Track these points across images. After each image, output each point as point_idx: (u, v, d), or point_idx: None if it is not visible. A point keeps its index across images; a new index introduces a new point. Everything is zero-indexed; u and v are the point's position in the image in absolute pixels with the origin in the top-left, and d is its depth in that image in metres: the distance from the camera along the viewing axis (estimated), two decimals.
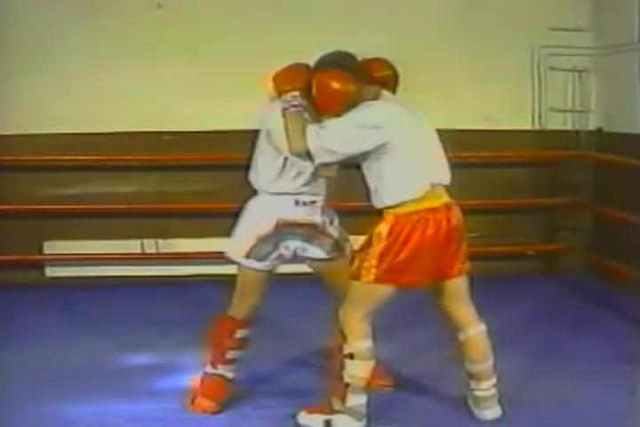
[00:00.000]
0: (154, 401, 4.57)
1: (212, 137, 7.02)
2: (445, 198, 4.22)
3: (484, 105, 7.28)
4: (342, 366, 4.17)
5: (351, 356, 4.15)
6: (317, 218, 4.33)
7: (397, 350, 5.19)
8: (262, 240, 4.25)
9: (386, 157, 4.07)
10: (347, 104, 4.06)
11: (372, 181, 4.15)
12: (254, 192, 4.39)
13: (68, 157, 7.08)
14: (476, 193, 7.25)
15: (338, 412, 4.20)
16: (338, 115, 4.07)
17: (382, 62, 4.32)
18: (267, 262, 4.30)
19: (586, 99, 7.47)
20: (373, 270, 4.10)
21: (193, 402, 4.46)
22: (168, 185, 7.26)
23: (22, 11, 7.02)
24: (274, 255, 4.29)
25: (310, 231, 4.31)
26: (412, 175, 4.11)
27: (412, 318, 5.55)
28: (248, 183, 4.39)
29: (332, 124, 4.06)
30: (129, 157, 7.14)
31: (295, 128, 4.05)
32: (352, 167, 4.22)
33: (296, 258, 4.37)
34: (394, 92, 4.30)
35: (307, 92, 4.08)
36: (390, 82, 4.29)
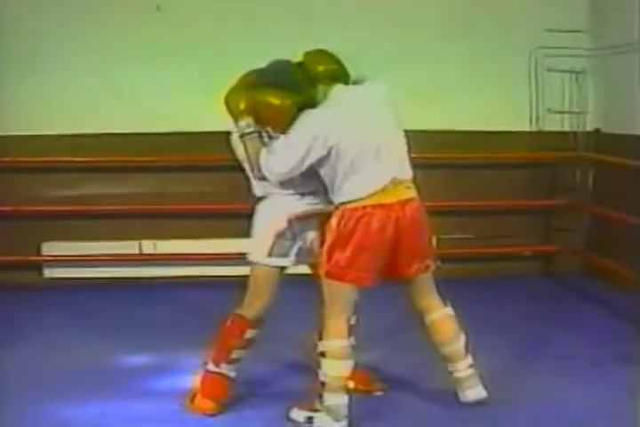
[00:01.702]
0: (152, 402, 4.58)
1: (211, 138, 6.97)
2: (404, 195, 4.21)
3: (481, 106, 7.28)
4: (318, 365, 4.22)
5: (323, 354, 4.19)
6: (323, 207, 4.36)
7: (388, 350, 5.21)
8: (280, 236, 4.29)
9: (332, 162, 4.12)
10: (289, 117, 4.12)
11: (325, 181, 4.21)
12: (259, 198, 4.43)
13: (66, 159, 7.09)
14: (473, 194, 7.27)
15: (317, 410, 4.23)
16: (287, 127, 4.12)
17: (325, 55, 4.29)
18: (290, 258, 4.33)
19: (583, 100, 7.47)
20: (325, 265, 4.18)
21: (192, 401, 4.46)
22: (166, 186, 7.26)
23: (21, 11, 7.03)
24: (295, 249, 4.33)
25: (323, 221, 4.34)
26: (362, 175, 4.12)
27: (398, 320, 5.56)
28: (248, 188, 4.41)
29: (277, 148, 4.13)
30: (127, 159, 7.14)
31: (253, 156, 4.15)
32: None
33: (310, 252, 4.37)
34: (346, 84, 4.25)
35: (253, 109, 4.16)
36: (339, 75, 4.25)
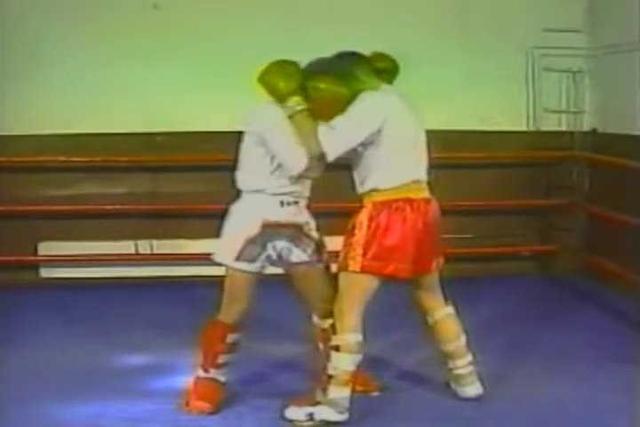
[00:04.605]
0: (149, 402, 4.57)
1: (207, 138, 7.02)
2: (425, 194, 4.33)
3: (478, 106, 7.30)
4: (328, 358, 4.22)
5: (337, 348, 4.20)
6: (301, 219, 4.37)
7: (382, 349, 5.21)
8: (251, 242, 4.26)
9: (375, 145, 4.19)
10: (342, 107, 4.17)
11: (360, 168, 4.26)
12: (237, 195, 4.40)
13: (62, 158, 7.08)
14: (470, 194, 7.27)
15: (319, 403, 4.23)
16: (334, 116, 4.17)
17: (383, 55, 4.49)
18: (257, 264, 4.30)
19: (580, 100, 7.48)
20: (359, 259, 4.19)
21: (188, 404, 4.46)
22: (162, 186, 7.26)
23: (19, 11, 7.01)
24: (263, 256, 4.30)
25: (295, 233, 4.33)
26: (397, 165, 4.22)
27: (393, 319, 5.56)
28: (232, 183, 4.40)
29: (338, 121, 4.16)
30: (123, 158, 7.14)
31: (308, 132, 4.15)
32: (335, 168, 4.30)
33: (280, 261, 4.37)
34: (391, 81, 4.42)
35: (301, 90, 4.19)
36: (390, 71, 4.43)
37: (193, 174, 7.27)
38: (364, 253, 4.18)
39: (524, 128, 7.50)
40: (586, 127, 7.50)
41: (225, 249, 4.32)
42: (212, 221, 6.57)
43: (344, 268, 4.23)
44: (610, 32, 7.11)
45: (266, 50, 6.71)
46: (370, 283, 4.24)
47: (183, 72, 7.07)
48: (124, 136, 7.04)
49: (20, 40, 7.03)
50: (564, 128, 7.51)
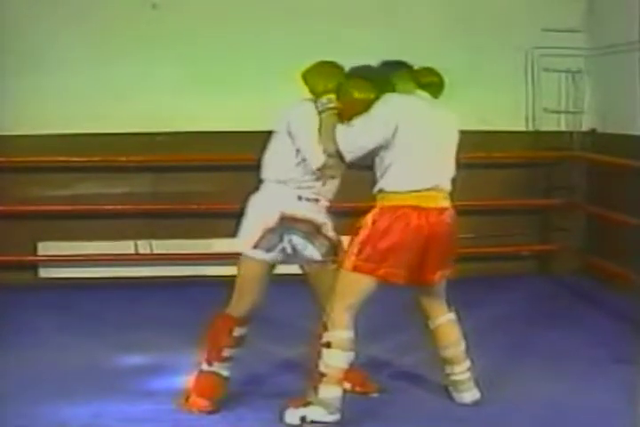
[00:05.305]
0: (149, 402, 4.56)
1: (207, 138, 7.02)
2: (442, 204, 4.30)
3: (478, 106, 7.28)
4: (319, 356, 4.21)
5: (328, 344, 4.20)
6: (319, 218, 4.38)
7: (382, 350, 5.21)
8: (269, 231, 4.30)
9: (389, 148, 4.19)
10: (365, 110, 4.22)
11: (376, 168, 4.27)
12: (256, 188, 4.42)
13: (61, 158, 7.08)
14: (470, 194, 7.24)
15: (310, 403, 4.22)
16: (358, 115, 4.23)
17: (430, 70, 4.50)
18: (274, 253, 4.33)
19: (579, 100, 7.49)
20: (353, 258, 4.20)
21: (187, 401, 4.46)
22: (162, 186, 7.26)
23: (17, 11, 7.01)
24: (279, 247, 4.33)
25: (311, 230, 4.36)
26: (407, 170, 4.21)
27: (393, 320, 5.55)
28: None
29: (357, 122, 4.21)
30: (123, 158, 7.14)
31: (328, 130, 4.21)
32: (354, 168, 4.32)
33: (295, 255, 4.39)
34: (437, 95, 4.46)
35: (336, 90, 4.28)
36: (436, 85, 4.46)
37: (193, 174, 7.27)
38: (359, 253, 4.19)
39: (523, 128, 7.51)
40: (585, 127, 7.50)
41: (244, 239, 4.35)
42: (212, 221, 6.59)
43: (341, 265, 4.26)
44: (609, 32, 7.12)
45: (266, 50, 6.79)
46: (364, 283, 4.23)
47: (183, 72, 7.07)
48: (123, 136, 7.03)
49: (20, 40, 7.03)
50: (563, 128, 7.52)
